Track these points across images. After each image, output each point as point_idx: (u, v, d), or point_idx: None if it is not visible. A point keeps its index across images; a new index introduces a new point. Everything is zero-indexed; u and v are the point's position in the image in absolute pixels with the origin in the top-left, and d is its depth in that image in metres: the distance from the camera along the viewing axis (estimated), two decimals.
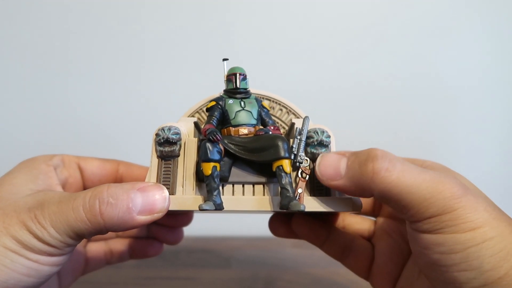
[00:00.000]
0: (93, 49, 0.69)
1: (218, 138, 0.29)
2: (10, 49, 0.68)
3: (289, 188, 0.28)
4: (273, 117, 0.34)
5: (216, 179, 0.28)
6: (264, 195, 0.30)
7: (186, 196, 0.30)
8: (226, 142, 0.29)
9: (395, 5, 0.70)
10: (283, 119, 0.34)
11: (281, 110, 0.35)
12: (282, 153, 0.28)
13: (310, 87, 0.70)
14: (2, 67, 0.69)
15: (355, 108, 0.72)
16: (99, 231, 0.26)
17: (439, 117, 0.73)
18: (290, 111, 0.35)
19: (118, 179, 0.37)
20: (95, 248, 0.39)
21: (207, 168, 0.28)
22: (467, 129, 0.73)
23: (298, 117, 0.35)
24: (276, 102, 0.35)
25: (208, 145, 0.28)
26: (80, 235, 0.26)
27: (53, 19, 0.68)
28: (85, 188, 0.35)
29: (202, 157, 0.28)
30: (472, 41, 0.71)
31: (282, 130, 0.33)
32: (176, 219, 0.42)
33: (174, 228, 0.43)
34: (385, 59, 0.71)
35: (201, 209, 0.27)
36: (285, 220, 0.39)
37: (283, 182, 0.28)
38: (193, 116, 0.34)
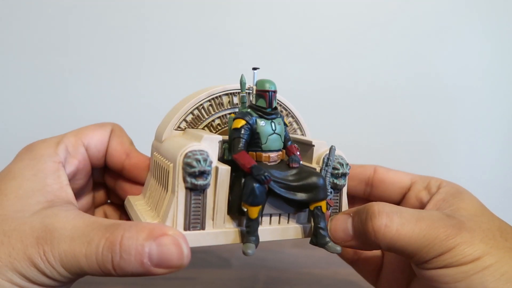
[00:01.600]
0: (93, 49, 0.69)
1: (269, 180, 0.26)
2: (9, 49, 0.68)
3: (325, 228, 0.28)
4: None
5: (259, 220, 0.27)
6: (288, 223, 0.30)
7: (217, 230, 0.27)
8: (272, 183, 0.27)
9: (395, 5, 0.70)
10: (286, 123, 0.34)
11: (281, 112, 0.34)
12: (323, 195, 0.28)
13: (310, 87, 0.70)
14: (1, 67, 0.69)
15: (355, 108, 0.72)
16: (110, 276, 0.24)
17: (440, 116, 0.73)
18: (289, 113, 0.34)
19: (119, 143, 0.35)
20: None
21: (254, 212, 0.26)
22: (467, 129, 0.73)
23: (296, 120, 0.34)
24: (279, 104, 0.33)
25: (257, 187, 0.26)
26: (89, 274, 0.25)
27: (53, 19, 0.68)
28: (93, 164, 0.34)
29: (250, 200, 0.26)
30: (472, 41, 0.71)
31: None
32: None
33: None
34: (385, 59, 0.71)
35: (246, 254, 0.26)
36: None
37: (321, 223, 0.28)
38: (191, 113, 0.31)
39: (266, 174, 0.26)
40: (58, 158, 0.30)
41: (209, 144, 0.27)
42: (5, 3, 0.67)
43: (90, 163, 0.34)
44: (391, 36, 0.71)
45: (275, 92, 0.28)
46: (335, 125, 0.71)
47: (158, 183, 0.30)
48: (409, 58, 0.71)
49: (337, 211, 0.31)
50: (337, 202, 0.31)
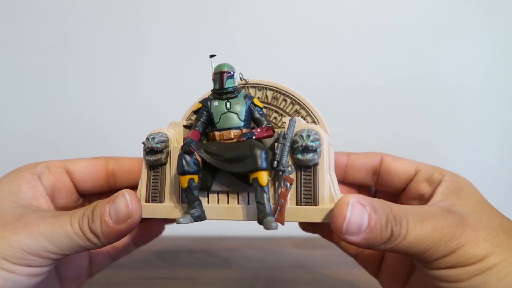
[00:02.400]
0: (92, 49, 0.69)
1: (192, 149, 0.27)
2: (9, 49, 0.68)
3: (264, 202, 0.26)
4: (276, 109, 0.32)
5: (194, 191, 0.27)
6: (248, 204, 0.29)
7: (173, 204, 0.29)
8: (202, 151, 0.28)
9: (395, 6, 0.70)
10: (288, 110, 0.31)
11: (285, 100, 0.32)
12: (257, 165, 0.26)
13: (310, 85, 0.70)
14: (1, 67, 0.69)
15: (355, 106, 0.71)
16: (95, 245, 0.27)
17: (440, 116, 0.73)
18: (295, 101, 0.31)
19: (110, 175, 0.36)
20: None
21: (184, 181, 0.27)
22: (467, 129, 0.73)
23: (304, 108, 0.31)
24: (279, 92, 0.32)
25: (184, 156, 0.27)
26: (74, 250, 0.27)
27: (53, 18, 0.68)
28: (78, 190, 0.35)
29: (179, 170, 0.27)
30: (473, 41, 0.71)
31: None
32: None
33: None
34: (386, 59, 0.71)
35: (178, 223, 0.27)
36: None
37: (258, 196, 0.26)
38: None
39: (190, 144, 0.27)
40: (35, 170, 0.32)
41: (174, 129, 0.30)
42: (5, 3, 0.67)
43: (75, 186, 0.35)
44: (391, 35, 0.71)
45: (226, 72, 0.29)
46: (336, 124, 0.71)
47: None
48: (409, 57, 0.71)
49: (311, 194, 0.27)
50: (309, 182, 0.27)
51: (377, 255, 0.38)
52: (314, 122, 0.32)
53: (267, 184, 0.27)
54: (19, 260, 0.26)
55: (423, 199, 0.32)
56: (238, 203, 0.29)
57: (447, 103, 0.72)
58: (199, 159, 0.28)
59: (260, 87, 0.32)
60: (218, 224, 0.71)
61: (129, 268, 0.55)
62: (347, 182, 0.38)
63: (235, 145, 0.27)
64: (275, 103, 0.32)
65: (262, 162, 0.26)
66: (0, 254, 0.25)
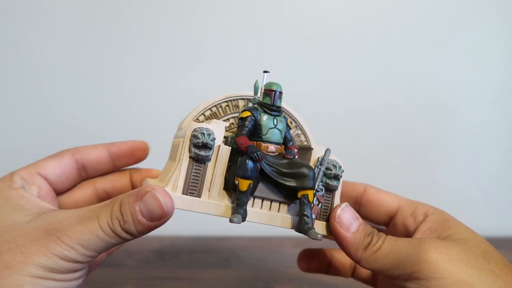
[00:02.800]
0: (90, 49, 0.69)
1: (261, 158, 0.30)
2: (8, 49, 0.68)
3: (309, 216, 0.30)
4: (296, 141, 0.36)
5: (248, 195, 0.30)
6: (278, 212, 0.32)
7: (211, 201, 0.31)
8: (263, 163, 0.30)
9: (396, 10, 0.70)
10: (291, 131, 0.36)
11: (291, 123, 0.36)
12: (310, 184, 0.30)
13: (308, 90, 0.70)
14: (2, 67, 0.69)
15: (353, 113, 0.72)
16: (129, 240, 0.28)
17: (438, 126, 0.73)
18: (297, 125, 0.37)
19: (81, 169, 0.36)
20: None
21: (244, 184, 0.29)
22: (466, 135, 0.73)
23: (303, 132, 0.37)
24: (288, 115, 0.36)
25: (249, 162, 0.29)
26: (108, 248, 0.27)
27: (52, 18, 0.68)
28: (56, 191, 0.34)
29: (241, 173, 0.29)
30: (473, 45, 0.71)
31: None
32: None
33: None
34: (385, 64, 0.71)
35: (232, 222, 0.29)
36: (315, 255, 0.42)
37: (306, 210, 0.30)
38: (210, 109, 0.35)
39: (258, 152, 0.29)
40: (16, 185, 0.31)
41: (217, 127, 0.31)
42: (2, 4, 0.67)
43: (54, 189, 0.34)
44: (392, 40, 0.71)
45: (280, 92, 0.32)
46: (332, 130, 0.71)
47: (171, 160, 0.34)
48: (409, 62, 0.71)
49: (328, 210, 0.33)
50: (328, 203, 0.33)
51: (370, 273, 0.40)
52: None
53: (312, 202, 0.31)
54: (66, 270, 0.26)
55: (410, 235, 0.32)
56: (269, 209, 0.32)
57: (446, 107, 0.72)
58: (259, 167, 0.30)
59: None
60: (218, 224, 0.71)
61: (129, 268, 0.55)
62: None
63: (288, 162, 0.31)
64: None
65: (312, 182, 0.31)
66: (47, 268, 0.26)
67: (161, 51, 0.69)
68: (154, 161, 0.41)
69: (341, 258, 0.41)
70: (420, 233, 0.31)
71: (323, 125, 0.64)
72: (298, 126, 0.37)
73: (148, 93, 0.70)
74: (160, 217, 0.27)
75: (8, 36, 0.68)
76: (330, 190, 0.33)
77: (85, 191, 0.37)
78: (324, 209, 0.33)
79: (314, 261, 0.41)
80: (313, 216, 0.31)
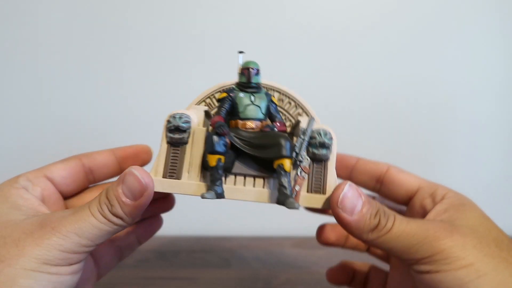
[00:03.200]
0: (90, 46, 0.69)
1: (225, 132, 0.30)
2: (8, 50, 0.68)
3: (287, 186, 0.29)
4: (281, 110, 0.34)
5: (219, 171, 0.30)
6: (263, 188, 0.31)
7: (190, 181, 0.31)
8: (232, 136, 0.31)
9: (397, 10, 0.70)
10: (291, 112, 0.35)
11: (289, 103, 0.35)
12: (284, 152, 0.29)
13: (308, 90, 0.70)
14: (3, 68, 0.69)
15: (356, 109, 0.72)
16: (122, 226, 0.29)
17: (439, 121, 0.73)
18: (298, 105, 0.35)
19: (88, 172, 0.36)
20: (102, 250, 0.39)
21: (213, 159, 0.30)
22: (466, 134, 0.73)
23: (305, 112, 0.35)
24: (285, 95, 0.35)
25: (215, 137, 0.30)
26: (104, 237, 0.28)
27: (51, 18, 0.68)
28: (61, 193, 0.35)
29: (208, 149, 0.30)
30: (474, 44, 0.71)
31: (288, 123, 0.34)
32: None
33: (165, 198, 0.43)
34: (384, 63, 0.71)
35: (203, 197, 0.29)
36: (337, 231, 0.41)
37: (282, 180, 0.29)
38: (204, 101, 0.34)
39: (223, 126, 0.30)
40: (18, 185, 0.31)
41: (195, 112, 0.32)
42: (6, 4, 0.67)
43: (59, 191, 0.35)
44: (394, 39, 0.71)
45: (257, 69, 0.32)
46: (335, 126, 0.71)
47: None
48: (410, 60, 0.71)
49: (320, 184, 0.31)
50: (319, 174, 0.32)
51: (378, 283, 0.40)
52: None
53: (290, 171, 0.30)
54: (60, 261, 0.26)
55: (426, 215, 0.32)
56: (254, 186, 0.31)
57: (448, 106, 0.72)
58: (228, 142, 0.30)
59: (268, 88, 0.35)
60: (218, 224, 0.71)
61: (129, 268, 0.55)
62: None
63: (262, 134, 0.31)
64: (280, 105, 0.35)
65: (287, 150, 0.30)
66: (41, 260, 0.26)
67: (162, 51, 0.69)
68: None
69: None
70: (433, 214, 0.30)
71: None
72: (298, 105, 0.35)
73: (149, 93, 0.70)
74: (141, 192, 0.28)
75: (8, 36, 0.68)
76: (319, 160, 0.31)
77: (94, 194, 0.37)
78: (316, 181, 0.31)
79: (333, 233, 0.41)
80: (297, 188, 0.30)
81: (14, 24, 0.68)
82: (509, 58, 0.72)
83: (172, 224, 0.69)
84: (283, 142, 0.30)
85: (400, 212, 0.37)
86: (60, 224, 0.27)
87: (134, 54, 0.69)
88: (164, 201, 0.42)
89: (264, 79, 0.34)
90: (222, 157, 0.30)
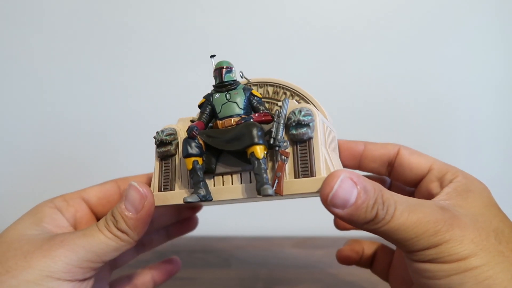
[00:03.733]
0: (89, 52, 0.69)
1: (194, 133, 0.30)
2: (9, 50, 0.68)
3: (261, 174, 0.28)
4: (278, 102, 0.33)
5: (198, 172, 0.30)
6: (250, 182, 0.30)
7: (181, 190, 0.31)
8: (204, 135, 0.30)
9: (397, 10, 0.70)
10: (282, 99, 0.33)
11: (285, 93, 0.34)
12: (253, 140, 0.28)
13: (307, 89, 0.70)
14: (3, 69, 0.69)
15: (355, 108, 0.72)
16: (128, 242, 0.30)
17: (439, 120, 0.73)
18: (294, 92, 0.34)
19: (123, 195, 0.37)
20: (119, 285, 0.40)
21: (188, 163, 0.30)
22: (466, 133, 0.73)
23: (303, 98, 0.34)
24: (279, 87, 0.34)
25: (188, 141, 0.30)
26: (111, 254, 0.29)
27: (53, 19, 0.68)
28: (96, 215, 0.37)
29: (183, 153, 0.30)
30: (474, 43, 0.71)
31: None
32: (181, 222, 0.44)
33: (182, 226, 0.44)
34: (384, 62, 0.71)
35: (185, 201, 0.29)
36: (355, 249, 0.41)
37: (256, 168, 0.28)
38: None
39: (192, 129, 0.30)
40: (53, 205, 0.33)
41: (182, 124, 0.33)
42: (7, 4, 0.67)
43: (94, 212, 0.36)
44: (394, 37, 0.71)
45: (224, 68, 0.32)
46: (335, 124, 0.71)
47: None
48: (410, 59, 0.71)
49: (308, 166, 0.28)
50: (305, 156, 0.29)
51: (385, 261, 0.39)
52: None
53: (263, 158, 0.28)
54: (63, 274, 0.27)
55: (431, 198, 0.31)
56: (241, 182, 0.30)
57: (448, 105, 0.72)
58: (202, 143, 0.30)
59: (261, 84, 0.34)
60: (218, 224, 0.71)
61: (129, 268, 0.55)
62: (362, 171, 0.37)
63: (233, 128, 0.30)
64: (276, 97, 0.34)
65: (256, 137, 0.28)
66: (44, 272, 0.26)
67: (162, 51, 0.69)
68: None
69: (367, 249, 0.41)
70: (437, 198, 0.30)
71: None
72: (295, 92, 0.34)
73: (150, 93, 0.70)
74: (141, 203, 0.29)
75: (10, 37, 0.68)
76: (301, 141, 0.29)
77: None
78: (302, 163, 0.28)
79: (352, 254, 0.40)
80: (278, 174, 0.28)
81: (14, 24, 0.68)
82: (509, 57, 0.72)
83: None
84: (251, 129, 0.28)
85: (410, 193, 0.36)
86: (69, 239, 0.28)
87: (135, 55, 0.69)
88: (188, 222, 0.44)
89: (256, 76, 0.34)
90: (199, 159, 0.30)
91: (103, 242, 0.28)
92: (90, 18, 0.68)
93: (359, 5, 0.70)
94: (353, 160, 0.37)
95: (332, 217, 0.41)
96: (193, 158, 0.30)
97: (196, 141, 0.30)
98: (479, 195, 0.29)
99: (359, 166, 0.37)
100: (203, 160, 0.30)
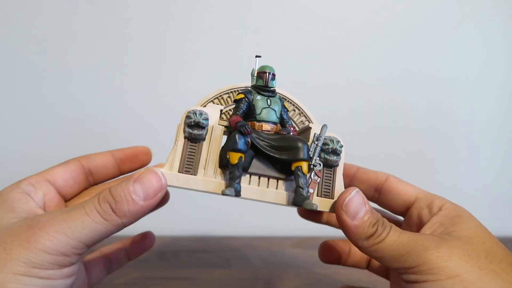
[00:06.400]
0: (92, 50, 0.69)
1: (249, 131, 0.31)
2: (9, 51, 0.68)
3: (304, 188, 0.30)
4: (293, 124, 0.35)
5: (240, 169, 0.30)
6: (277, 189, 0.32)
7: (206, 178, 0.31)
8: (254, 136, 0.31)
9: (397, 10, 0.70)
10: (295, 119, 0.36)
11: (294, 110, 0.36)
12: (303, 155, 0.30)
13: (307, 89, 0.70)
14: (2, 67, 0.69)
15: (355, 109, 0.72)
16: (117, 227, 0.28)
17: (438, 120, 0.73)
18: (301, 113, 0.36)
19: (88, 174, 0.37)
20: (92, 260, 0.39)
21: (234, 157, 0.30)
22: (466, 134, 0.73)
23: (308, 120, 0.36)
24: (291, 103, 0.36)
25: (239, 136, 0.30)
26: (95, 239, 0.27)
27: (53, 19, 0.68)
28: (63, 196, 0.35)
29: (231, 146, 0.30)
30: (474, 43, 0.71)
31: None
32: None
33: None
34: (384, 63, 0.71)
35: (223, 194, 0.29)
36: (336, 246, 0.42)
37: (300, 182, 0.30)
38: (212, 101, 0.35)
39: (246, 126, 0.30)
40: (20, 189, 0.31)
41: (212, 110, 0.33)
42: (7, 4, 0.67)
43: (60, 194, 0.35)
44: (390, 44, 0.71)
45: (273, 74, 0.33)
46: (335, 127, 0.71)
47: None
48: (411, 60, 0.71)
49: (330, 189, 0.33)
50: (329, 179, 0.33)
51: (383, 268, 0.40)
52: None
53: (307, 173, 0.31)
54: (49, 264, 0.25)
55: (423, 226, 0.33)
56: (267, 187, 0.32)
57: (448, 106, 0.72)
58: (249, 141, 0.31)
59: (281, 97, 0.36)
60: (218, 224, 0.71)
61: (129, 268, 0.55)
62: None
63: (281, 137, 0.32)
64: (289, 111, 0.36)
65: (306, 154, 0.31)
66: (30, 264, 0.25)
67: (162, 51, 0.69)
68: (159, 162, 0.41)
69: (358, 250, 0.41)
70: (429, 226, 0.31)
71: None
72: (302, 113, 0.36)
73: (150, 93, 0.70)
74: (155, 192, 0.28)
75: (10, 37, 0.68)
76: (330, 166, 0.33)
77: (92, 195, 0.38)
78: (325, 185, 0.33)
79: (335, 252, 0.41)
80: (311, 191, 0.31)
81: (14, 24, 0.68)
82: (508, 58, 0.72)
83: (172, 224, 0.69)
84: (302, 145, 0.31)
85: (398, 223, 0.38)
86: (49, 224, 0.26)
87: (135, 55, 0.69)
88: (144, 239, 0.42)
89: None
90: (243, 155, 0.31)
91: (88, 226, 0.26)
92: (90, 18, 0.68)
93: (358, 6, 0.70)
94: (345, 179, 0.38)
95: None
96: (239, 154, 0.30)
97: (246, 138, 0.31)
98: (470, 220, 0.30)
99: (349, 186, 0.39)
100: (244, 157, 0.31)
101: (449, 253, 0.26)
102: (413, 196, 0.35)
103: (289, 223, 0.67)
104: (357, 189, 0.30)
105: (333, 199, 0.32)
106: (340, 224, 0.29)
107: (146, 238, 0.42)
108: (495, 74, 0.72)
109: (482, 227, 0.30)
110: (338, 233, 0.41)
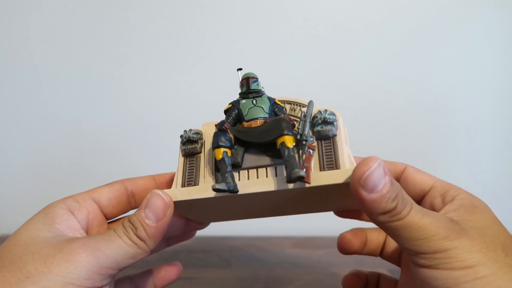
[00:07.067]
0: (92, 50, 0.69)
1: (226, 126, 0.31)
2: (9, 50, 0.68)
3: (291, 160, 0.29)
4: (294, 119, 0.35)
5: (228, 163, 0.31)
6: (276, 175, 0.31)
7: (209, 185, 0.32)
8: (234, 129, 0.32)
9: (397, 10, 0.70)
10: (298, 116, 0.36)
11: (301, 111, 0.36)
12: (282, 131, 0.30)
13: (307, 90, 0.70)
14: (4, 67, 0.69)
15: (355, 109, 0.72)
16: (144, 250, 0.30)
17: (438, 120, 0.73)
18: (298, 104, 0.36)
19: (130, 196, 0.38)
20: (121, 285, 0.40)
21: (218, 153, 0.31)
22: (466, 134, 0.73)
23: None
24: (296, 104, 0.36)
25: (218, 133, 0.31)
26: (127, 261, 0.29)
27: (53, 19, 0.68)
28: (106, 216, 0.37)
29: (214, 144, 0.31)
30: (474, 43, 0.71)
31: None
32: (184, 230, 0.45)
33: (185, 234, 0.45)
34: (384, 63, 0.71)
35: (214, 189, 0.29)
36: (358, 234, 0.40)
37: (286, 155, 0.29)
38: None
39: (224, 122, 0.32)
40: (64, 205, 0.33)
41: (207, 128, 0.35)
42: (7, 4, 0.67)
43: (103, 212, 0.36)
44: (390, 44, 0.71)
45: (253, 77, 0.34)
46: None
47: None
48: (410, 60, 0.71)
49: (332, 158, 0.31)
50: (330, 151, 0.31)
51: (396, 253, 0.39)
52: None
53: (293, 147, 0.30)
54: (84, 281, 0.26)
55: None
56: (266, 176, 0.32)
57: (449, 107, 0.72)
58: (232, 137, 0.32)
59: (282, 102, 0.36)
60: (218, 224, 0.71)
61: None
62: None
63: (263, 124, 0.32)
64: (293, 114, 0.36)
65: (286, 128, 0.30)
66: (65, 279, 0.26)
67: (162, 52, 0.69)
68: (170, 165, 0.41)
69: (374, 238, 0.40)
70: (443, 211, 0.30)
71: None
72: (289, 102, 0.36)
73: (150, 94, 0.70)
74: (164, 211, 0.30)
75: (10, 37, 0.68)
76: (326, 137, 0.32)
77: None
78: (327, 158, 0.31)
79: (355, 242, 0.40)
80: (306, 164, 0.29)
81: (14, 24, 0.68)
82: (508, 58, 0.72)
83: None
84: (280, 122, 0.30)
85: None
86: (90, 242, 0.28)
87: (135, 55, 0.69)
88: (188, 233, 0.44)
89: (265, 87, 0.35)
90: (228, 150, 0.31)
91: (122, 248, 0.28)
92: (90, 18, 0.68)
93: (358, 6, 0.70)
94: None
95: (332, 217, 0.42)
96: (223, 149, 0.31)
97: (227, 134, 0.32)
98: (485, 211, 0.30)
99: None
100: (231, 153, 0.32)
101: (469, 245, 0.26)
102: (428, 186, 0.34)
103: (289, 223, 0.67)
104: (379, 160, 0.26)
105: (339, 168, 0.30)
106: (355, 195, 0.27)
107: (174, 269, 0.44)
108: (496, 73, 0.72)
109: (497, 220, 0.30)
110: (337, 233, 0.41)
